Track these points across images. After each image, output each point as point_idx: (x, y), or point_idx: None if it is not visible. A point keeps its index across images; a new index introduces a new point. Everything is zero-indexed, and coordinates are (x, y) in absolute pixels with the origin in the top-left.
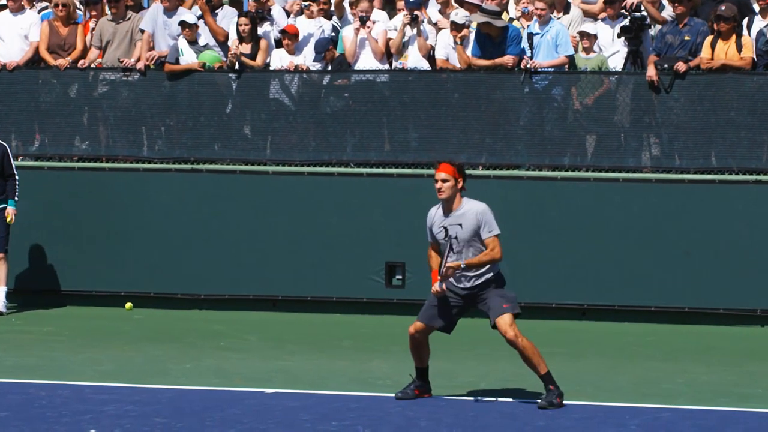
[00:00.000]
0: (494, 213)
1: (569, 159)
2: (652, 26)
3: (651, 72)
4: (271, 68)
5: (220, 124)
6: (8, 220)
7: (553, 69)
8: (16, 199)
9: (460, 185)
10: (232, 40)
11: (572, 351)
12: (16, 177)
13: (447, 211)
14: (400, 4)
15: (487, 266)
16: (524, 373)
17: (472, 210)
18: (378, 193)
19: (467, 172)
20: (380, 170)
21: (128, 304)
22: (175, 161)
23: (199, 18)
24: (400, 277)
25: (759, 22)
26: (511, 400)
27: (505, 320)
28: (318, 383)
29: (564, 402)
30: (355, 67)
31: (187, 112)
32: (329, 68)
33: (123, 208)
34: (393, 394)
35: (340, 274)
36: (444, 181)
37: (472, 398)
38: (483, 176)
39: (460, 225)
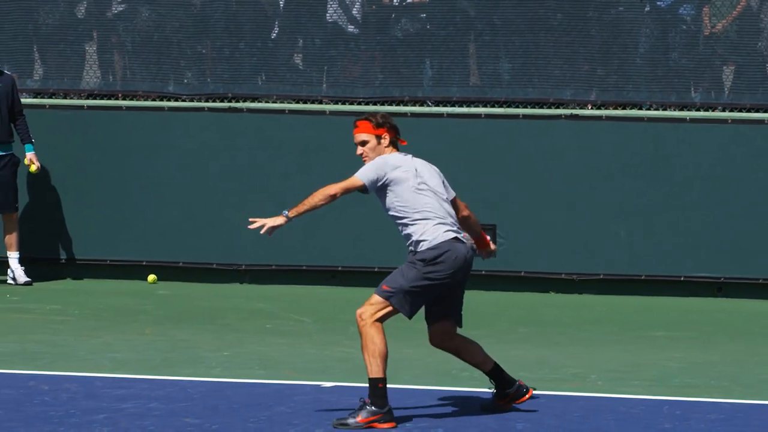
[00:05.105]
0: (607, 162)
1: (701, 96)
2: None
3: None
4: None
5: (265, 52)
6: (33, 169)
7: None
8: (33, 141)
9: (386, 141)
10: None
11: (705, 335)
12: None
13: None
14: None
15: (409, 235)
16: (644, 363)
17: None
18: (461, 138)
19: (571, 111)
20: (464, 110)
21: (151, 277)
22: (209, 98)
23: None
24: None
25: None
26: (628, 396)
27: (372, 298)
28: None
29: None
30: None
31: (224, 38)
32: None
33: (144, 158)
34: (480, 389)
35: None
36: (363, 143)
37: (580, 394)
38: (593, 117)
39: None
